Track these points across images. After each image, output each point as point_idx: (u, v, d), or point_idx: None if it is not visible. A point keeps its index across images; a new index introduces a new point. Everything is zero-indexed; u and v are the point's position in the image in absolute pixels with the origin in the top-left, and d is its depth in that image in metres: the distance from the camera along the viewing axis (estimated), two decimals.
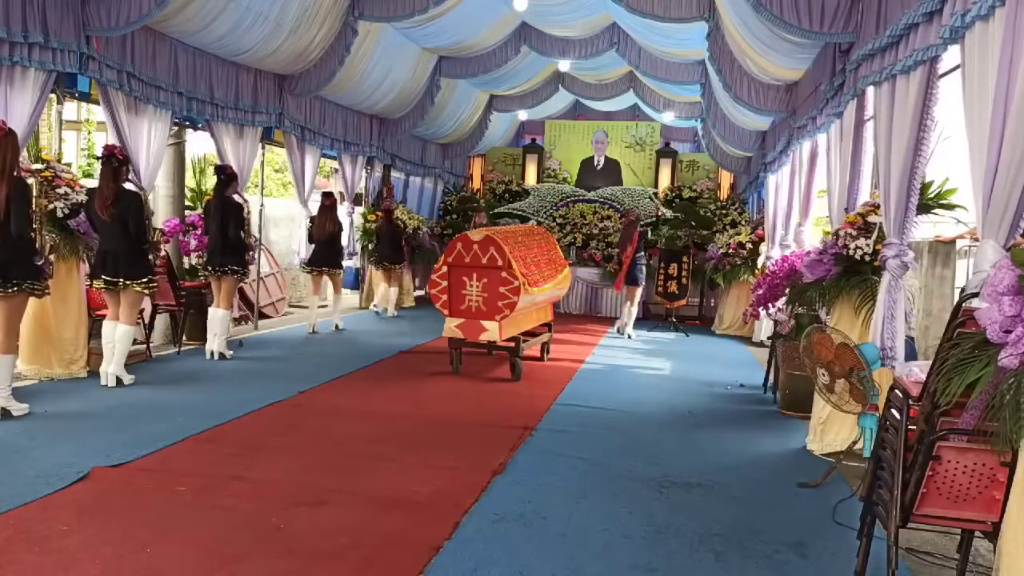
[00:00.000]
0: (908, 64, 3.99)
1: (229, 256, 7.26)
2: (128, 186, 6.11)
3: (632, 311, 10.58)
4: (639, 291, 10.51)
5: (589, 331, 10.83)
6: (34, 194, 4.99)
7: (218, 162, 8.20)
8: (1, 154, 4.74)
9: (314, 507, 3.72)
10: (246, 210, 7.62)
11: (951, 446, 2.63)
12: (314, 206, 9.90)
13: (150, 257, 6.16)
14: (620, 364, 8.31)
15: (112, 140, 6.79)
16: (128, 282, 5.88)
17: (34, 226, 4.99)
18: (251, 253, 7.74)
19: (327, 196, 9.63)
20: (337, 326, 9.67)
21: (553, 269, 7.97)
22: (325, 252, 9.37)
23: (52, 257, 5.71)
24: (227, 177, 7.37)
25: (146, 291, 6.05)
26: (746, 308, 8.31)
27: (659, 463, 4.74)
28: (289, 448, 4.67)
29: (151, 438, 4.65)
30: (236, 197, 7.53)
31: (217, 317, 7.33)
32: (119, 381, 6.00)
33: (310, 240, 9.58)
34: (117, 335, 5.99)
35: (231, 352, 7.50)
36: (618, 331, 10.73)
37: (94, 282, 5.98)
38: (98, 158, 5.97)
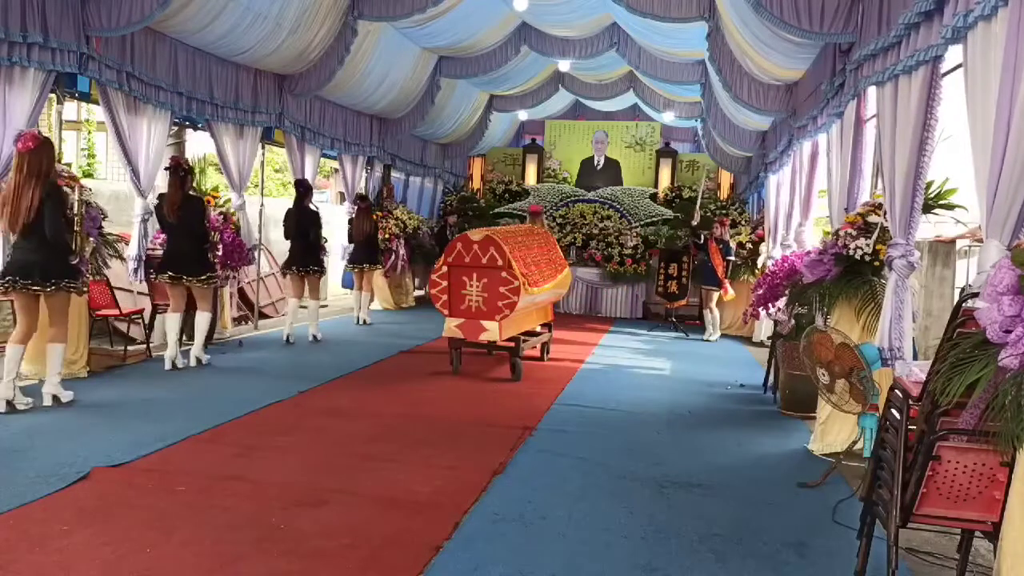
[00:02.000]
0: (910, 64, 3.98)
1: (311, 257, 8.44)
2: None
3: (711, 316, 10.44)
4: (708, 292, 10.39)
5: (589, 331, 10.83)
6: (73, 198, 5.40)
7: (217, 162, 8.28)
8: (37, 161, 5.07)
9: (314, 507, 3.72)
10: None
11: (951, 446, 2.63)
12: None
13: (210, 256, 6.98)
14: (620, 364, 8.31)
15: (112, 140, 6.82)
16: (190, 279, 6.61)
17: (75, 228, 5.34)
18: (325, 254, 8.84)
19: (363, 199, 10.41)
20: (365, 320, 10.41)
21: (553, 269, 7.96)
22: (363, 251, 10.22)
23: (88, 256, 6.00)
24: (305, 189, 8.53)
25: (206, 286, 6.77)
26: (746, 308, 8.30)
27: (659, 463, 4.74)
28: (289, 448, 4.67)
29: (151, 438, 4.64)
30: (311, 206, 8.51)
31: (310, 308, 8.70)
32: (199, 362, 6.88)
33: (350, 240, 10.39)
34: (198, 320, 6.92)
35: (321, 334, 8.67)
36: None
37: (160, 276, 6.69)
38: (165, 168, 6.76)
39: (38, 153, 5.08)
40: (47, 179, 5.12)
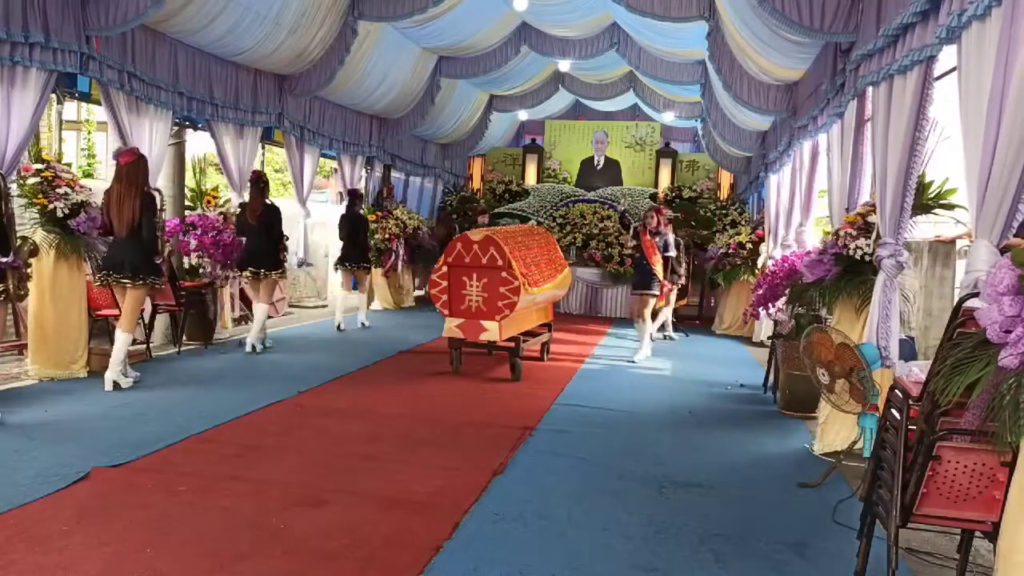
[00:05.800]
0: (905, 64, 3.99)
1: (362, 256, 9.74)
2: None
3: (641, 327, 8.55)
4: (643, 298, 8.43)
5: (589, 331, 10.83)
6: (159, 205, 6.11)
7: (217, 162, 8.39)
8: (134, 172, 5.85)
9: (314, 507, 3.72)
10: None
11: (951, 446, 2.63)
12: (313, 206, 10.57)
13: (282, 255, 7.95)
14: (620, 364, 8.31)
15: (114, 140, 6.86)
16: (268, 272, 7.71)
17: (157, 232, 6.08)
18: (371, 253, 10.31)
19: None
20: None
21: (553, 269, 7.96)
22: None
23: (167, 256, 6.73)
24: (357, 197, 9.88)
25: (281, 279, 8.10)
26: (746, 308, 8.28)
27: (659, 463, 4.74)
28: (289, 448, 4.67)
29: (151, 438, 4.65)
30: (360, 211, 9.86)
31: (355, 298, 10.02)
32: (254, 348, 7.69)
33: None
34: (256, 312, 7.79)
35: (369, 323, 10.06)
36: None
37: (242, 273, 7.87)
38: (249, 180, 7.96)
39: (135, 166, 5.87)
40: (143, 190, 5.89)
